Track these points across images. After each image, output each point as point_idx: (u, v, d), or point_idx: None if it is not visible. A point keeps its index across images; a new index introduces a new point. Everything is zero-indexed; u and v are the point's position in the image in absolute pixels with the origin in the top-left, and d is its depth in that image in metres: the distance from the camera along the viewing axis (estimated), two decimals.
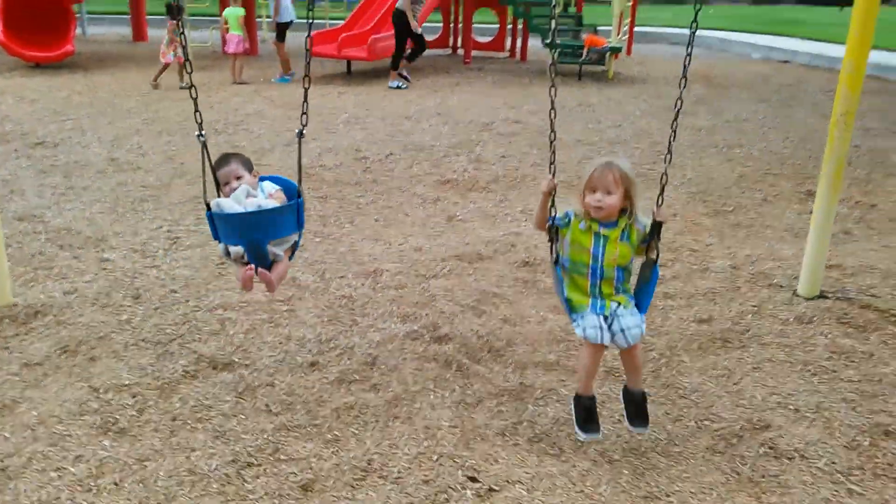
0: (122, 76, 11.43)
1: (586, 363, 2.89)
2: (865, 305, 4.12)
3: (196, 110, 2.96)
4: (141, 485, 2.66)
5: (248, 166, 3.17)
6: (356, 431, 3.01)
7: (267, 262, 3.01)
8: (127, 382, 3.27)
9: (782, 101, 10.83)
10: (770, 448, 2.92)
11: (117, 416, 3.04)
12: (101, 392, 3.19)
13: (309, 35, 3.07)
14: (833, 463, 2.84)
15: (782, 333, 3.86)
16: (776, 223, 5.63)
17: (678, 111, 2.89)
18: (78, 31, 13.98)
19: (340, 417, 3.10)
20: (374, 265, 4.67)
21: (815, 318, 3.99)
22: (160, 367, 3.41)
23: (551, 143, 2.91)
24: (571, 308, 2.90)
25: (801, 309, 4.10)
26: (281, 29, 11.77)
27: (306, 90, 3.17)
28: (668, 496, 2.68)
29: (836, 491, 2.69)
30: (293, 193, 3.14)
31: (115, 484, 2.65)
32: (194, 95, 2.93)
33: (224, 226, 2.96)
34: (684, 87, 2.95)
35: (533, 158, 7.33)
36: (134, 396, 3.18)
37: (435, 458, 2.86)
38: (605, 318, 2.82)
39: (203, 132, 2.99)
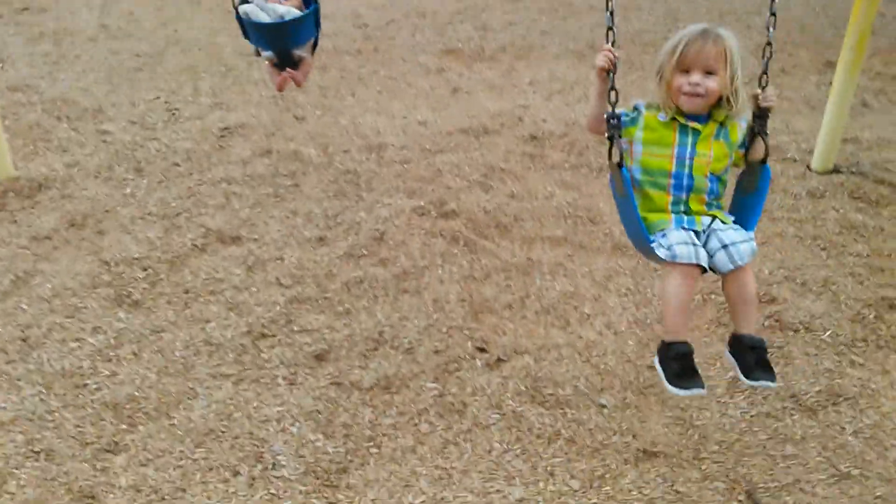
0: None
1: (676, 293, 2.02)
2: (879, 180, 4.07)
3: None
4: (159, 354, 2.73)
5: None
6: (366, 304, 3.06)
7: (294, 62, 3.20)
8: (137, 256, 3.28)
9: None
10: (776, 321, 2.98)
11: (130, 289, 3.07)
12: (112, 265, 3.21)
13: None
14: (837, 335, 2.90)
15: (793, 208, 3.83)
16: (794, 95, 5.45)
17: None
18: None
19: (350, 291, 3.14)
20: (377, 139, 4.57)
21: (826, 193, 3.95)
22: (168, 240, 3.42)
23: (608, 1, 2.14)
24: (646, 227, 2.09)
25: (813, 183, 4.05)
26: None
27: None
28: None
29: (838, 361, 2.76)
30: None
31: (134, 354, 2.73)
32: None
33: (254, 33, 3.14)
34: None
35: (542, 26, 7.00)
36: (145, 269, 3.20)
37: (444, 329, 2.92)
38: (697, 234, 2.08)
39: None
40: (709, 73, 2.03)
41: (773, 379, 2.05)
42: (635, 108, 2.16)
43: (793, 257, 3.43)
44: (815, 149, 4.22)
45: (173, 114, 4.82)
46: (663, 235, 2.07)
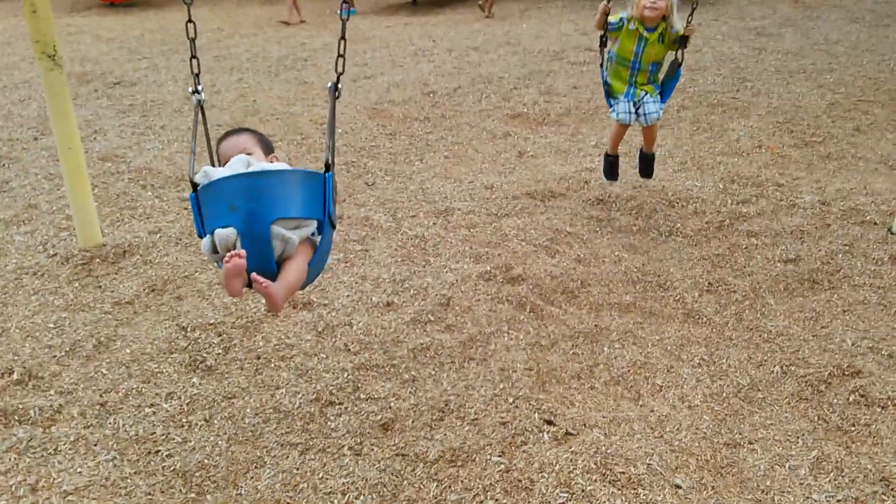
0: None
1: (614, 134, 4.33)
2: None
3: (193, 56, 2.34)
4: (230, 421, 2.78)
5: (265, 145, 2.42)
6: (433, 372, 3.05)
7: (269, 255, 2.07)
8: (212, 321, 3.39)
9: (877, 20, 10.00)
10: (861, 396, 2.81)
11: (205, 355, 3.16)
12: (189, 330, 3.32)
13: None
14: None
15: (875, 274, 3.66)
16: (870, 154, 5.28)
17: None
18: None
19: (417, 358, 3.14)
20: (445, 204, 4.64)
21: None
22: (243, 306, 3.52)
23: None
24: (609, 93, 4.15)
25: (895, 248, 3.87)
26: None
27: (342, 39, 2.34)
28: (750, 443, 2.63)
29: None
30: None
31: (206, 420, 2.79)
32: (192, 35, 2.38)
33: (211, 198, 2.09)
34: None
35: None
36: (220, 335, 3.30)
37: (511, 400, 2.88)
38: (634, 104, 4.05)
39: (199, 87, 2.35)
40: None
41: (650, 177, 4.58)
42: (621, 19, 3.94)
43: (877, 327, 3.26)
44: None
45: None
46: (616, 103, 4.12)
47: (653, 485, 2.44)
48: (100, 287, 3.71)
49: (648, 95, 4.05)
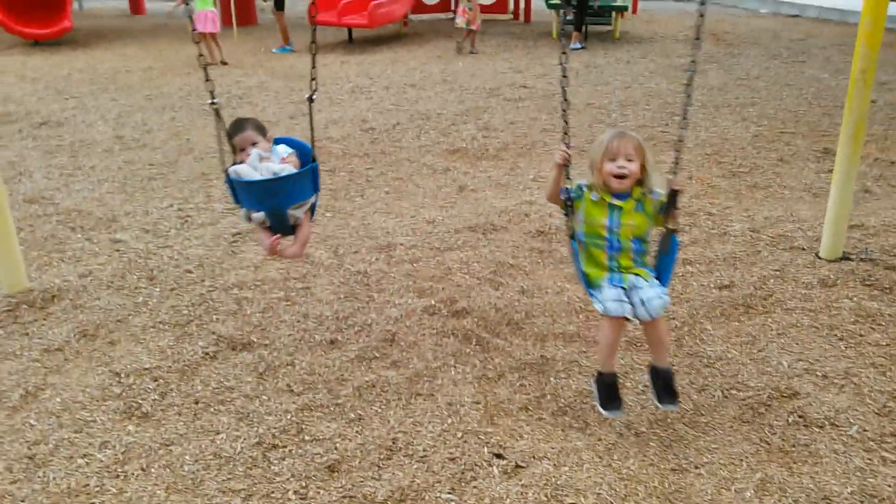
0: (121, 51, 11.28)
1: (607, 338, 2.78)
2: (890, 266, 4.06)
3: (207, 79, 3.01)
4: (168, 469, 2.65)
5: (262, 131, 3.21)
6: (379, 410, 3.00)
7: (288, 226, 3.15)
8: (147, 366, 3.26)
9: (794, 56, 10.62)
10: (799, 416, 2.90)
11: (140, 401, 3.03)
12: (123, 376, 3.18)
13: (313, 1, 3.11)
14: (864, 430, 2.81)
15: (806, 298, 3.81)
16: (794, 183, 5.54)
17: (692, 75, 2.85)
18: (74, 5, 13.77)
19: (362, 396, 3.08)
20: (387, 239, 4.63)
21: (838, 281, 3.94)
22: (179, 349, 3.40)
23: (563, 111, 2.86)
24: (589, 283, 2.84)
25: (824, 272, 4.04)
26: None
27: (314, 56, 3.12)
28: (696, 468, 2.67)
29: (868, 459, 2.67)
30: (307, 154, 3.21)
31: (143, 469, 2.65)
32: (203, 64, 3.00)
33: (244, 193, 3.05)
34: (699, 47, 2.89)
35: (542, 124, 7.22)
36: (155, 380, 3.17)
37: (459, 434, 2.85)
38: (625, 290, 2.75)
39: (216, 99, 3.02)
40: (629, 159, 2.73)
41: (675, 404, 2.86)
42: (579, 187, 2.85)
43: (811, 349, 3.37)
44: (823, 237, 4.24)
45: (185, 221, 4.91)
46: (600, 291, 2.77)
47: None
48: (27, 334, 3.53)
49: (642, 279, 2.77)
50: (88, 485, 2.58)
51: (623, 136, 2.76)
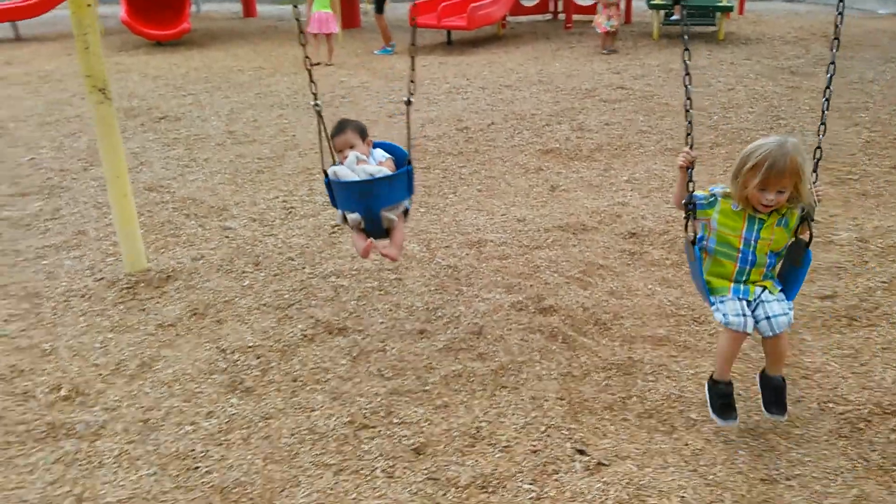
0: (234, 51, 11.90)
1: (725, 350, 2.74)
2: None
3: (311, 80, 3.16)
4: (266, 441, 2.84)
5: (363, 134, 3.34)
6: (464, 399, 3.08)
7: (381, 228, 3.22)
8: (251, 344, 3.48)
9: None
10: None
11: (243, 376, 3.24)
12: (228, 353, 3.41)
13: (414, 4, 3.27)
14: None
15: None
16: None
17: (830, 77, 2.77)
18: (192, 8, 14.63)
19: (449, 384, 3.18)
20: (478, 235, 4.71)
21: None
22: (280, 330, 3.60)
23: (687, 111, 2.75)
24: (710, 290, 2.73)
25: None
26: (380, 1, 11.87)
27: (413, 59, 3.20)
28: (787, 480, 2.60)
29: None
30: (402, 159, 3.33)
31: (244, 439, 2.85)
32: (309, 66, 3.18)
33: (340, 193, 3.16)
34: (836, 48, 2.79)
35: (639, 126, 7.11)
36: (258, 358, 3.38)
37: (543, 428, 2.89)
38: (749, 302, 2.67)
39: (319, 101, 3.18)
40: (781, 191, 2.55)
41: (782, 414, 2.81)
42: (712, 194, 2.72)
43: None
44: None
45: (290, 212, 5.17)
46: (722, 302, 2.70)
47: None
48: (144, 310, 3.83)
49: (768, 292, 2.69)
50: (194, 450, 2.80)
51: (783, 161, 2.48)
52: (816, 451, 2.75)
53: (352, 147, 3.26)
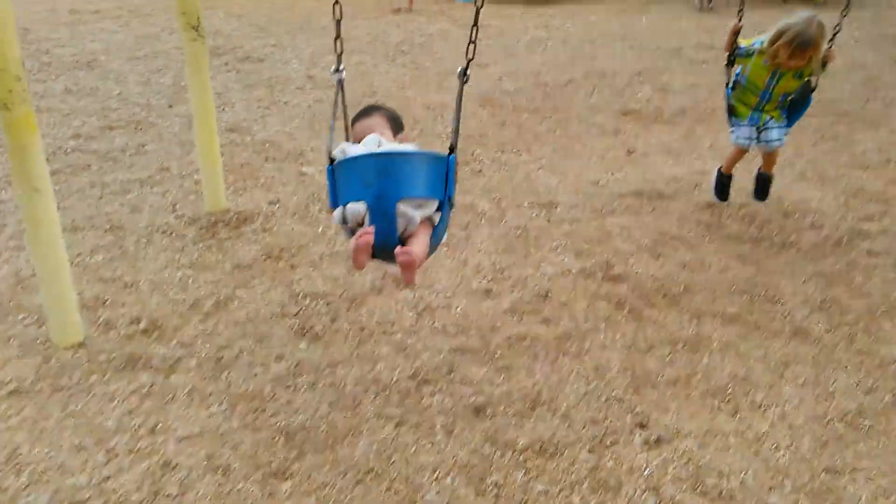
0: None
1: (732, 156, 4.20)
2: None
3: (337, 37, 2.46)
4: (332, 388, 2.93)
5: (396, 125, 2.65)
6: (527, 362, 3.10)
7: (393, 231, 2.26)
8: (322, 291, 3.57)
9: None
10: None
11: (313, 322, 3.34)
12: (300, 298, 3.52)
13: None
14: None
15: None
16: None
17: None
18: None
19: (512, 347, 3.20)
20: (549, 196, 4.65)
21: None
22: (351, 279, 3.68)
23: (740, 12, 3.81)
24: (733, 114, 4.03)
25: None
26: None
27: (475, 27, 2.38)
28: (852, 472, 2.54)
29: None
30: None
31: (311, 385, 2.95)
32: (338, 16, 2.47)
33: (347, 173, 2.31)
34: None
35: None
36: (328, 305, 3.47)
37: (603, 398, 2.89)
38: (758, 129, 3.97)
39: (342, 67, 2.51)
40: (805, 59, 3.66)
41: (763, 199, 4.32)
42: (752, 48, 3.79)
43: None
44: None
45: None
46: (738, 127, 4.03)
47: (745, 500, 2.40)
48: (222, 250, 3.97)
49: (773, 120, 3.96)
50: (263, 391, 2.92)
51: (809, 44, 3.60)
52: (885, 444, 2.66)
53: (380, 136, 2.49)
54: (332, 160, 2.37)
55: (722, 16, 10.12)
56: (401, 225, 2.29)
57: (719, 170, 4.33)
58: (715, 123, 5.99)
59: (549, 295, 3.58)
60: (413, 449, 2.63)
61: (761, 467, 2.54)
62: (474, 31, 2.37)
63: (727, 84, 4.00)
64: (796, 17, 3.69)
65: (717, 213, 4.43)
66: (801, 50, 3.62)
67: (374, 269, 3.76)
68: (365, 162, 2.27)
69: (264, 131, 5.73)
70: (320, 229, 4.20)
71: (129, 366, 3.04)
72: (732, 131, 4.06)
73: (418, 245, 2.26)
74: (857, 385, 2.97)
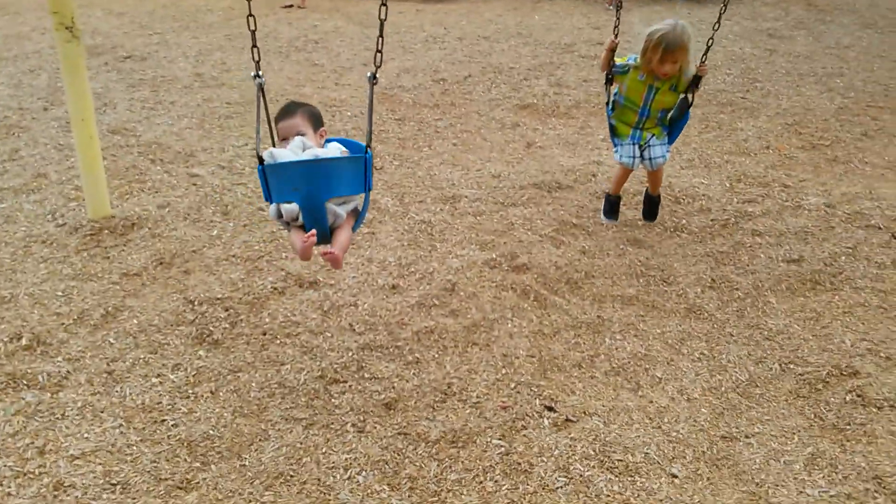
0: None
1: (618, 177, 4.11)
2: None
3: (253, 45, 2.58)
4: (235, 394, 2.82)
5: (316, 121, 2.81)
6: (436, 355, 3.09)
7: (325, 226, 2.58)
8: (220, 296, 3.42)
9: (890, 26, 9.97)
10: (858, 396, 2.86)
11: (211, 328, 3.20)
12: (196, 304, 3.36)
13: None
14: None
15: (877, 277, 3.69)
16: (877, 160, 5.30)
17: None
18: None
19: (421, 340, 3.18)
20: (452, 190, 4.67)
21: None
22: (250, 282, 3.55)
23: (617, 8, 3.83)
24: (615, 134, 3.97)
25: None
26: None
27: (382, 23, 2.59)
28: (747, 437, 2.67)
29: None
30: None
31: (212, 392, 2.82)
32: (252, 27, 2.59)
33: (277, 178, 2.52)
34: None
35: None
36: (226, 310, 3.33)
37: (513, 385, 2.92)
38: (640, 147, 3.89)
39: (260, 72, 2.63)
40: (674, 62, 3.63)
41: (652, 220, 4.25)
42: (627, 65, 3.77)
43: (877, 329, 3.29)
44: None
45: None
46: (621, 146, 3.94)
47: (649, 473, 2.49)
48: (108, 258, 3.74)
49: (655, 138, 3.88)
50: (161, 402, 2.77)
51: (676, 41, 3.57)
52: (775, 410, 2.83)
53: (300, 136, 2.70)
54: (261, 160, 2.55)
55: (610, 12, 10.49)
56: (330, 219, 2.61)
57: (607, 194, 4.24)
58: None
59: (456, 287, 3.59)
60: (323, 450, 2.56)
61: (663, 440, 2.64)
62: (380, 41, 2.60)
63: (607, 103, 3.97)
64: (662, 23, 3.65)
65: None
66: (670, 52, 3.56)
67: (274, 272, 3.65)
68: (292, 170, 2.50)
69: (150, 132, 5.45)
70: (215, 232, 4.03)
71: (10, 385, 2.82)
72: (616, 151, 3.96)
73: (342, 237, 2.62)
74: (748, 356, 3.14)
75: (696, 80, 3.74)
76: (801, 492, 2.44)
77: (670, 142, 3.93)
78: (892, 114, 6.27)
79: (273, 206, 2.65)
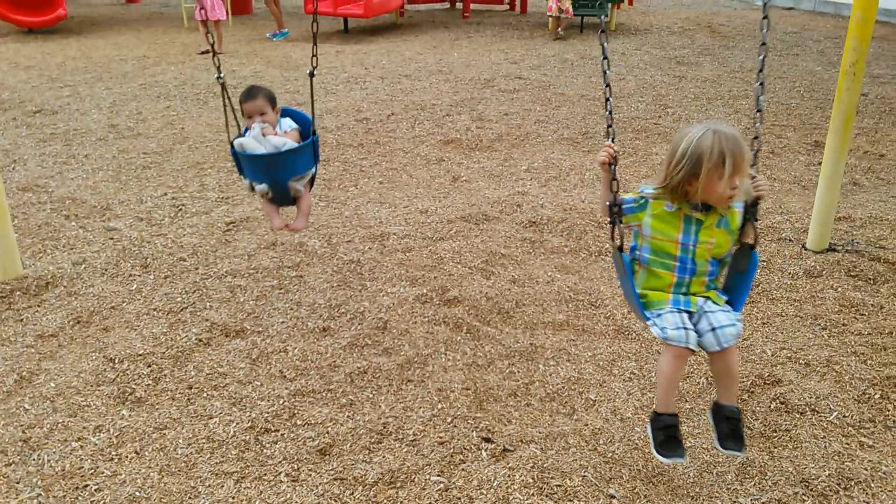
0: (116, 40, 11.24)
1: (668, 372, 2.28)
2: (875, 258, 4.12)
3: (214, 54, 3.23)
4: (161, 453, 2.70)
5: (272, 101, 3.42)
6: (370, 395, 3.05)
7: (289, 197, 3.37)
8: (141, 352, 3.30)
9: (787, 49, 10.65)
10: (781, 403, 2.96)
11: (134, 386, 3.07)
12: (117, 362, 3.22)
13: None
14: (844, 416, 2.87)
15: (791, 288, 3.87)
16: (784, 175, 5.59)
17: (763, 59, 2.45)
18: None
19: (354, 382, 3.13)
20: (380, 229, 4.66)
21: (824, 272, 4.00)
22: (173, 335, 3.44)
23: (607, 100, 2.44)
24: (645, 305, 2.35)
25: (809, 263, 4.10)
26: None
27: (315, 34, 3.32)
28: None
29: (847, 444, 2.73)
30: (308, 127, 3.42)
31: (136, 452, 2.70)
32: (211, 41, 3.25)
33: (247, 165, 3.25)
34: (767, 27, 2.51)
35: (536, 115, 7.25)
36: (149, 366, 3.21)
37: (449, 419, 2.90)
38: (690, 314, 2.29)
39: (222, 74, 3.23)
40: (742, 173, 2.19)
41: (740, 449, 2.35)
42: (642, 196, 2.33)
43: (794, 337, 3.43)
44: (810, 228, 4.29)
45: (180, 210, 4.93)
46: (658, 316, 2.30)
47: (588, 496, 2.50)
48: (21, 320, 3.56)
49: (712, 302, 2.34)
50: (83, 467, 2.63)
51: (740, 153, 2.16)
52: (705, 423, 2.89)
53: (262, 114, 3.33)
54: (231, 143, 3.23)
55: (525, 47, 10.82)
56: (292, 192, 3.33)
57: (654, 413, 2.40)
58: (529, 147, 6.35)
59: (388, 325, 3.56)
60: (257, 503, 2.47)
61: (600, 461, 2.66)
62: (315, 48, 3.37)
63: (618, 248, 2.36)
64: (692, 131, 2.23)
65: (540, 230, 4.66)
66: (740, 161, 2.15)
67: (199, 323, 3.54)
68: (257, 162, 3.18)
69: (63, 187, 5.26)
70: (134, 286, 3.90)
71: None
72: (652, 324, 2.32)
73: (304, 205, 3.39)
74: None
75: (752, 208, 2.32)
76: (735, 501, 2.50)
77: (736, 309, 2.36)
78: (796, 132, 6.65)
79: (247, 181, 3.30)
